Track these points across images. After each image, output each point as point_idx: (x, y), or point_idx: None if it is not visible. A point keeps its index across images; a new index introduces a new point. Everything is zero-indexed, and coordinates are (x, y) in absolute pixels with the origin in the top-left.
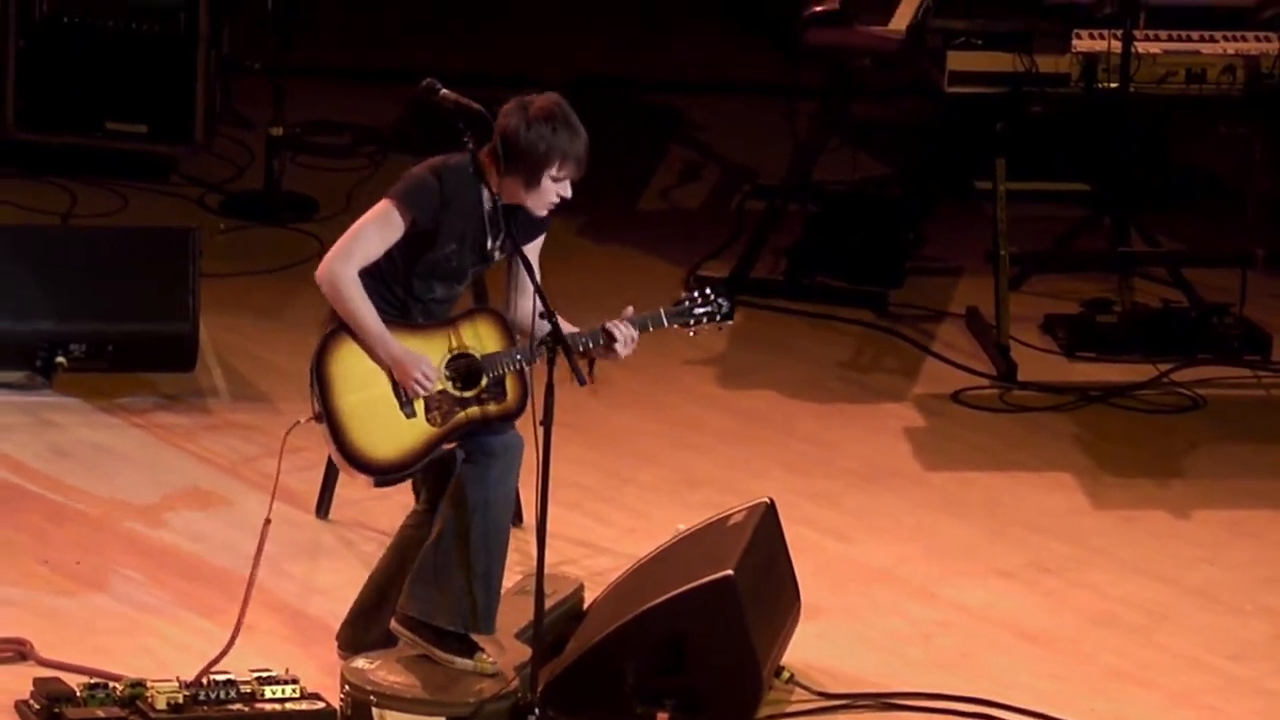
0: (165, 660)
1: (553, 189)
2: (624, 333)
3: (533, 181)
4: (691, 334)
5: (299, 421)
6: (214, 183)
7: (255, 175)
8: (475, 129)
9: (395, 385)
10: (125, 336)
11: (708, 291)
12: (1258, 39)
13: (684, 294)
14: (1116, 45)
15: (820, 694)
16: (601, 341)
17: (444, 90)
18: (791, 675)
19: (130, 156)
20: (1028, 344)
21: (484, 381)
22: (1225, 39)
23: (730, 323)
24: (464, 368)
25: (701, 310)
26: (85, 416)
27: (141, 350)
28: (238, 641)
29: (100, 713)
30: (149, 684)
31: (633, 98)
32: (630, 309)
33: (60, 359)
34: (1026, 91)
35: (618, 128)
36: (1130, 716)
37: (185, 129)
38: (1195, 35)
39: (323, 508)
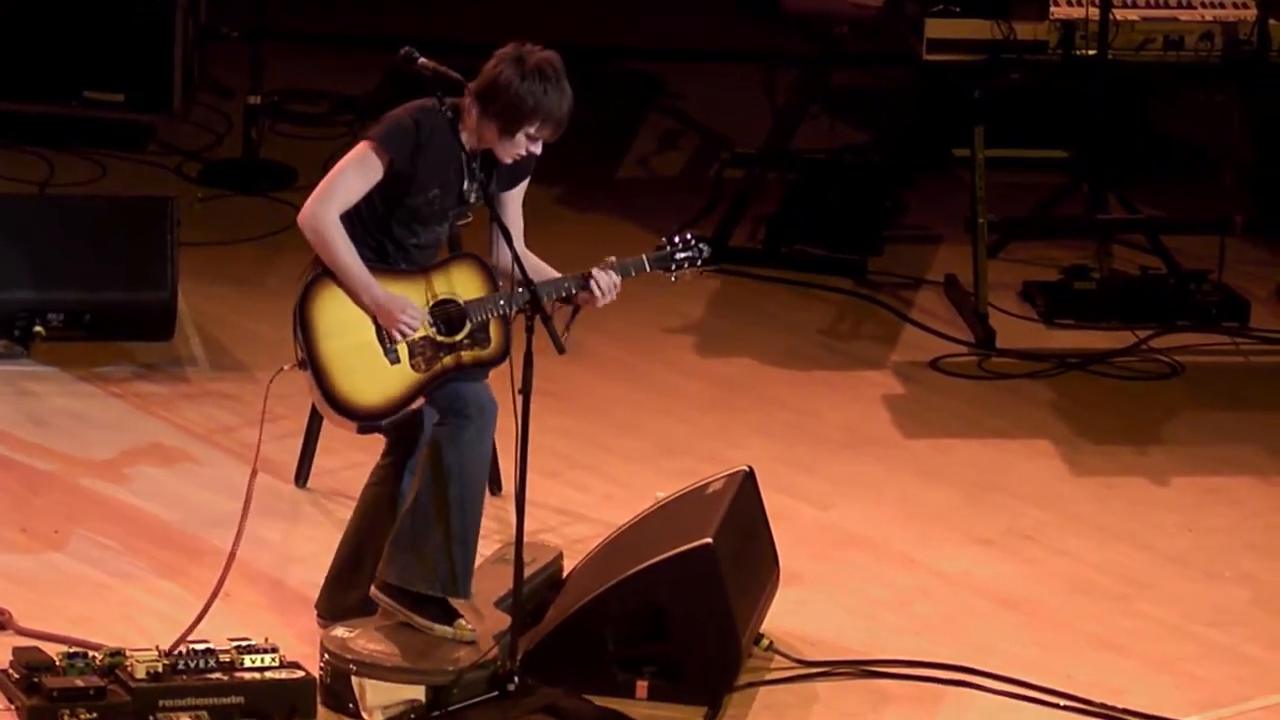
0: (144, 628)
1: (524, 144)
2: (606, 279)
3: (508, 131)
4: (673, 279)
5: (282, 368)
6: (192, 151)
7: (233, 144)
8: (452, 96)
9: (379, 330)
10: (103, 305)
11: (688, 237)
12: (1235, 5)
13: (665, 240)
14: (1094, 12)
15: (799, 661)
16: (584, 287)
17: (422, 59)
18: (771, 643)
19: (108, 125)
20: (1006, 311)
21: (468, 327)
22: (1203, 5)
23: (711, 268)
24: (448, 313)
25: (683, 255)
26: (63, 385)
27: (120, 319)
28: (218, 609)
29: (80, 682)
30: (128, 653)
31: (612, 65)
32: (613, 258)
33: (38, 328)
34: (1005, 59)
35: (596, 95)
36: (1109, 683)
37: (163, 97)
38: (1173, 2)
39: (301, 476)
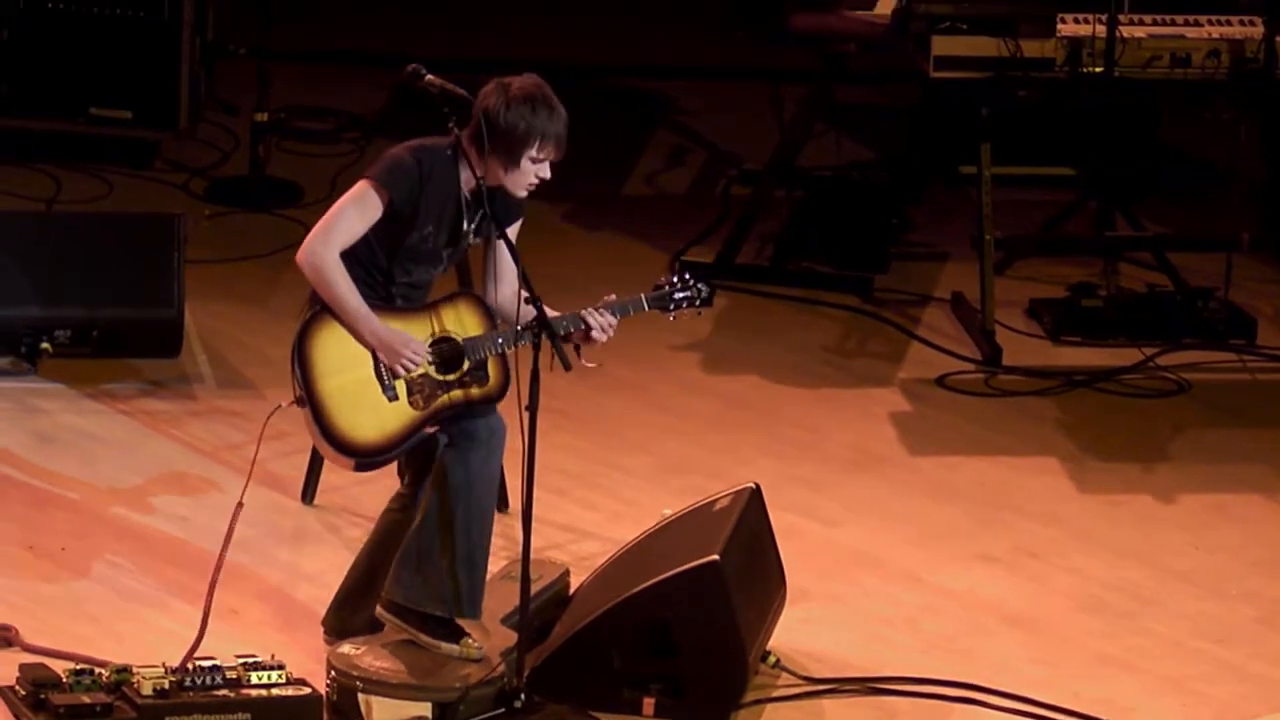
0: (151, 646)
1: (532, 170)
2: (599, 320)
3: (512, 162)
4: (671, 318)
5: (280, 406)
6: (199, 168)
7: (240, 161)
8: (460, 114)
9: (378, 368)
10: (110, 322)
11: (687, 277)
12: (1242, 23)
13: (664, 279)
14: (1101, 29)
15: (806, 678)
16: (580, 327)
17: (429, 76)
18: (777, 660)
19: (115, 142)
20: (1013, 328)
21: (466, 365)
22: (1210, 22)
23: (709, 308)
24: (446, 351)
25: (681, 295)
26: (70, 402)
27: (127, 336)
28: (224, 626)
29: (86, 699)
30: (134, 670)
31: (619, 83)
32: (612, 296)
33: (45, 345)
34: (1011, 76)
35: (603, 113)
36: (1116, 700)
37: (170, 115)
38: (1180, 19)
39: (308, 493)
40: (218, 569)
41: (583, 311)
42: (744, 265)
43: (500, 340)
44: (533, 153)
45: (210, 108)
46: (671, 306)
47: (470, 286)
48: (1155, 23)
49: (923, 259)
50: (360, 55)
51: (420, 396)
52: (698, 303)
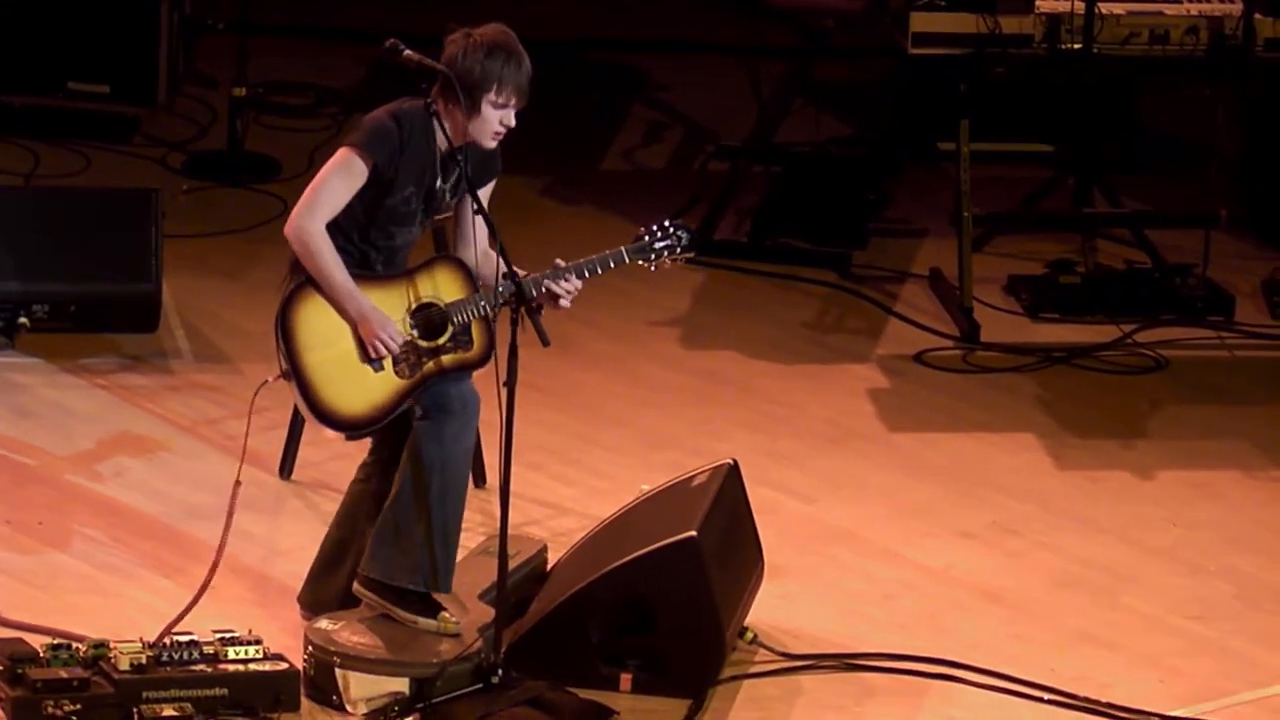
0: (128, 620)
1: (495, 116)
2: (563, 286)
3: (473, 107)
4: (653, 269)
5: (267, 381)
6: (177, 143)
7: (218, 136)
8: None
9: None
10: (88, 297)
11: (666, 225)
12: (1221, 0)
13: (643, 229)
14: (1080, 6)
15: (783, 654)
16: (543, 290)
17: (407, 50)
18: (755, 636)
19: (93, 117)
20: (991, 305)
21: (450, 330)
22: (1189, 0)
23: (692, 254)
24: (429, 317)
25: (662, 244)
26: (48, 377)
27: (105, 311)
28: (201, 602)
29: (64, 673)
30: (112, 644)
31: (596, 58)
32: (560, 261)
33: (23, 319)
34: (990, 52)
35: (581, 87)
36: (1093, 677)
37: (148, 89)
38: None
39: (285, 468)
40: (222, 545)
41: (545, 280)
42: (722, 241)
43: (483, 302)
44: (492, 97)
45: (188, 82)
46: (653, 256)
47: (444, 250)
48: None
49: (901, 235)
50: (338, 30)
51: (405, 365)
52: (679, 250)
